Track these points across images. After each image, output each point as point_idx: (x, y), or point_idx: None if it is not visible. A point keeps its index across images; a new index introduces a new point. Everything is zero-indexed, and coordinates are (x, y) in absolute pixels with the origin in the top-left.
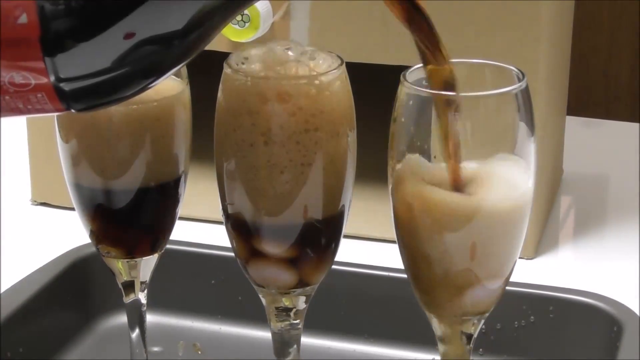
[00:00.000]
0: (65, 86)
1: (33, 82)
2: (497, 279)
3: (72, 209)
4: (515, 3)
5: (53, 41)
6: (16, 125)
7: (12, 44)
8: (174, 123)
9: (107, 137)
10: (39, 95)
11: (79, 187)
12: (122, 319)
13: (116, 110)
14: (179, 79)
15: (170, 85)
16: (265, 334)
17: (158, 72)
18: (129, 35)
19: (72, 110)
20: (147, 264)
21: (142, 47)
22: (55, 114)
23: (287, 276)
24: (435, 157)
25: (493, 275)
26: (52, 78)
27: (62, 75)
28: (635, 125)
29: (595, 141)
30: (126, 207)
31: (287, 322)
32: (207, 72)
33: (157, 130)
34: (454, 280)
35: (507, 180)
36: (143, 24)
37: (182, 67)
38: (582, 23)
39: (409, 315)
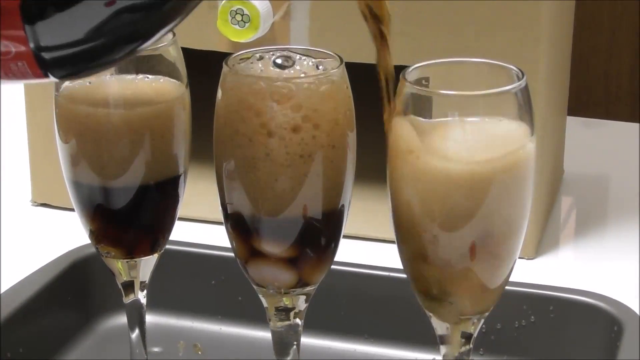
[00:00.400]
0: (46, 54)
1: (13, 50)
2: (498, 276)
3: (72, 209)
4: (515, 3)
5: (33, 9)
6: (16, 126)
7: None
8: (173, 124)
9: (106, 137)
10: (20, 63)
11: (78, 188)
12: (122, 319)
13: (116, 112)
14: (178, 82)
15: (171, 88)
16: (265, 334)
17: (138, 39)
18: (109, 3)
19: (53, 78)
20: (147, 264)
21: (123, 14)
22: (35, 81)
23: (287, 276)
24: None
25: (493, 271)
26: (32, 46)
27: (42, 44)
28: (635, 125)
29: (595, 141)
30: (126, 207)
31: (287, 322)
32: (206, 72)
33: (157, 130)
34: (454, 278)
35: (504, 137)
36: None
37: (181, 68)
38: (582, 23)
39: (409, 315)
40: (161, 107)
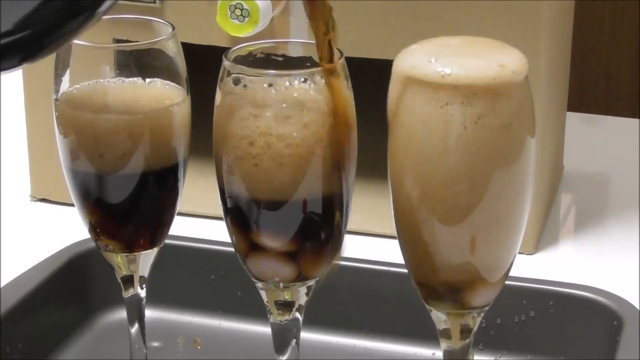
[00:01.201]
0: None
1: None
2: (497, 270)
3: (71, 204)
4: (516, 3)
5: None
6: (16, 122)
7: None
8: (173, 122)
9: (106, 135)
10: None
11: (77, 182)
12: (122, 314)
13: (115, 118)
14: (180, 87)
15: (172, 93)
16: (265, 329)
17: (67, 30)
18: None
19: None
20: (146, 259)
21: (48, 4)
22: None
23: (286, 270)
24: None
25: (494, 262)
26: None
27: None
28: (635, 121)
29: (595, 137)
30: (125, 201)
31: (287, 317)
32: (206, 66)
33: (158, 129)
34: (454, 270)
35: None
36: None
37: (180, 62)
38: (582, 23)
39: (409, 310)
40: (162, 112)
